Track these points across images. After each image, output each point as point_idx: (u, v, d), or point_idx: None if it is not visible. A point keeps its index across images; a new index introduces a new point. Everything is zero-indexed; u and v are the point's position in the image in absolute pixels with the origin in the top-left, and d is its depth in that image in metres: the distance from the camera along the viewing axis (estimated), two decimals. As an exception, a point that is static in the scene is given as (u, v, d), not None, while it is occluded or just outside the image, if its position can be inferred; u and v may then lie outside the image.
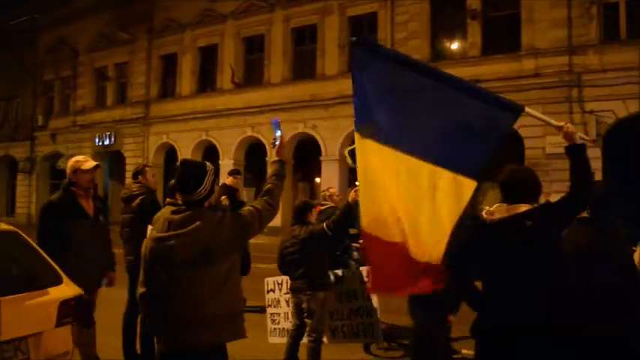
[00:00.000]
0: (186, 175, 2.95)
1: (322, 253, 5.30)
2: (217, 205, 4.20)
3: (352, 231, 6.17)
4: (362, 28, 19.12)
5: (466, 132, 3.29)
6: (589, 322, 3.01)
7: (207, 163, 3.07)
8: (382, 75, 3.42)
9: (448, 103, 3.33)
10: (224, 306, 2.83)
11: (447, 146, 3.31)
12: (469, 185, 3.24)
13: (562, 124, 3.05)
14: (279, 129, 3.59)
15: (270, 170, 3.38)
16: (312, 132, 19.89)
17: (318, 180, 20.32)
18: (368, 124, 3.43)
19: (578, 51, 15.17)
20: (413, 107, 3.42)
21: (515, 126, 13.72)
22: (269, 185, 3.22)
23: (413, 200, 3.34)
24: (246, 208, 3.10)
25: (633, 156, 14.09)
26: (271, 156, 3.58)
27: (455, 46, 18.11)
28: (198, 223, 2.80)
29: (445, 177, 3.26)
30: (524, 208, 2.94)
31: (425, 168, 3.30)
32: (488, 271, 3.00)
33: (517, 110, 3.26)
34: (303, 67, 20.86)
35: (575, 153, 2.98)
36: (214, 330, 2.80)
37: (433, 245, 3.24)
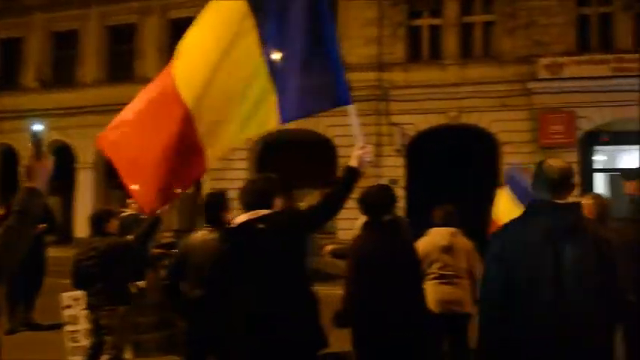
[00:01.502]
0: None
1: (124, 267, 4.92)
2: None
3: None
4: (184, 32, 18.65)
5: (305, 81, 3.25)
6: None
7: None
8: None
9: (315, 46, 3.27)
10: None
11: (285, 76, 3.25)
12: (275, 118, 3.24)
13: (366, 145, 3.15)
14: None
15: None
16: (128, 137, 18.87)
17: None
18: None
19: (386, 68, 16.41)
20: (292, 26, 3.32)
21: (330, 134, 14.46)
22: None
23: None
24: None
25: (433, 164, 15.59)
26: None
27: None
28: None
29: (266, 95, 3.22)
30: (263, 212, 2.97)
31: (261, 70, 3.23)
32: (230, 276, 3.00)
33: (346, 99, 3.25)
34: (120, 68, 19.72)
35: (354, 176, 3.08)
36: None
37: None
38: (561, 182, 2.72)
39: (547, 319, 2.54)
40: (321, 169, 16.46)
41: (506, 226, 2.93)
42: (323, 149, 16.23)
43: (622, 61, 15.02)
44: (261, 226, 2.91)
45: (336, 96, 3.25)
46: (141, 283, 5.45)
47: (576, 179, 12.94)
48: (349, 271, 3.87)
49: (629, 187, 5.54)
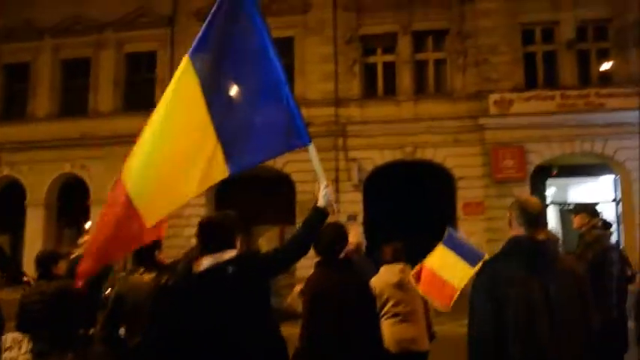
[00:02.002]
0: None
1: (73, 312, 4.67)
2: None
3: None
4: (140, 66, 18.63)
5: (258, 127, 3.22)
6: None
7: None
8: (240, 25, 3.30)
9: (267, 91, 3.24)
10: None
11: (235, 125, 3.22)
12: (222, 170, 3.19)
13: (328, 184, 3.16)
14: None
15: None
16: (80, 172, 18.44)
17: (87, 225, 18.81)
18: (203, 54, 3.28)
19: (343, 103, 16.66)
20: (241, 73, 3.30)
21: (288, 170, 14.47)
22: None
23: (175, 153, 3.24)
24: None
25: (390, 199, 15.78)
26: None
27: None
28: None
29: (212, 149, 3.18)
30: (229, 255, 2.91)
31: (208, 130, 3.19)
32: (193, 324, 2.88)
33: (304, 140, 3.22)
34: (74, 102, 19.30)
35: (320, 216, 3.10)
36: None
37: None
38: (539, 218, 2.85)
39: (545, 351, 2.63)
40: (279, 205, 16.47)
41: (488, 263, 3.01)
42: (281, 185, 16.26)
43: (567, 97, 15.70)
44: (230, 270, 2.84)
45: (295, 137, 3.23)
46: (92, 330, 5.25)
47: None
48: (304, 310, 3.86)
49: (576, 221, 5.79)
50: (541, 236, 2.84)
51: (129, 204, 3.21)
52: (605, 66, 16.23)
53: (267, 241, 16.35)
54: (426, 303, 5.07)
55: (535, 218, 2.84)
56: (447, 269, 5.37)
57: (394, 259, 4.99)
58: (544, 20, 16.33)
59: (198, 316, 2.85)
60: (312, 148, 3.23)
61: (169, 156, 3.24)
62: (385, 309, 4.77)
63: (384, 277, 4.87)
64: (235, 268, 2.84)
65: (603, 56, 16.38)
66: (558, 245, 4.90)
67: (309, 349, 3.70)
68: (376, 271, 5.17)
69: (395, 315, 4.77)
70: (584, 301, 2.78)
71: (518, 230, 2.86)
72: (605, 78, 16.23)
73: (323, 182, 3.17)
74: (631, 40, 15.86)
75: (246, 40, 3.31)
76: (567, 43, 16.11)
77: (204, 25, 3.33)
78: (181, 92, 3.29)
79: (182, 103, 3.28)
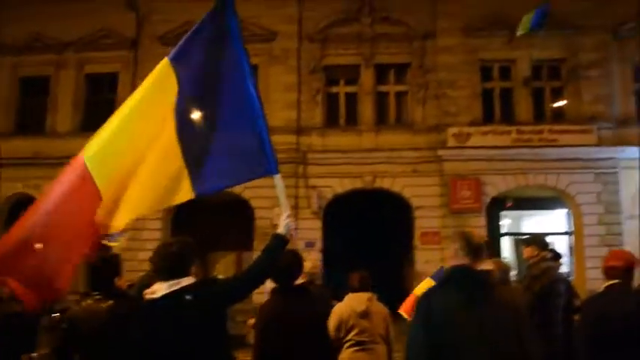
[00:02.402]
0: None
1: (13, 337, 4.57)
2: None
3: None
4: (101, 87, 18.39)
5: (228, 152, 3.22)
6: None
7: None
8: (225, 49, 3.30)
9: (241, 117, 3.24)
10: None
11: (203, 147, 3.20)
12: (187, 191, 3.17)
13: (290, 213, 3.19)
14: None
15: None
16: (33, 192, 17.90)
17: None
18: (183, 61, 3.26)
19: (305, 132, 16.77)
20: (217, 96, 3.29)
21: (247, 196, 14.38)
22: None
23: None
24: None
25: (349, 227, 15.88)
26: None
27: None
28: None
29: (177, 169, 3.15)
30: (185, 282, 2.87)
31: (175, 150, 3.15)
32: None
33: (272, 169, 3.25)
34: (31, 120, 18.85)
35: (281, 244, 3.11)
36: None
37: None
38: (480, 250, 2.95)
39: None
40: (237, 230, 16.32)
41: (429, 292, 3.08)
42: (240, 210, 16.15)
43: (522, 132, 16.21)
44: (188, 297, 2.78)
45: (264, 166, 3.25)
46: (34, 355, 5.05)
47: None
48: (255, 337, 3.83)
49: (527, 252, 5.97)
50: (483, 266, 2.95)
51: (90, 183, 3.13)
52: (559, 104, 16.89)
53: (224, 267, 16.16)
54: (389, 332, 5.05)
55: (478, 249, 2.95)
56: None
57: (361, 288, 5.01)
58: (502, 58, 16.89)
59: (152, 344, 2.79)
60: (278, 178, 3.26)
61: (135, 152, 3.20)
62: (349, 336, 4.77)
63: (350, 305, 4.87)
64: (192, 296, 2.79)
65: (557, 94, 17.04)
66: (509, 275, 5.04)
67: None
68: (335, 298, 5.18)
69: (358, 343, 4.76)
70: (521, 334, 2.84)
71: (462, 260, 2.94)
72: (559, 115, 16.86)
73: (286, 211, 3.19)
74: (582, 80, 16.57)
75: (229, 66, 3.34)
76: (523, 80, 16.71)
77: (187, 35, 3.36)
78: (158, 93, 3.31)
79: (155, 105, 3.28)
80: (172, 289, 2.81)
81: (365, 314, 4.83)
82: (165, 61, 3.34)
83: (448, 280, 2.96)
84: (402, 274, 16.59)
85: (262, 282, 3.10)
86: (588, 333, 3.93)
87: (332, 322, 4.61)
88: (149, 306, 2.87)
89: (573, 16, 16.46)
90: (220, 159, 3.22)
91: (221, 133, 3.26)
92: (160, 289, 2.84)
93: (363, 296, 4.93)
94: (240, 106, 3.29)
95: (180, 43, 3.38)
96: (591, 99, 16.50)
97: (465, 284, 2.86)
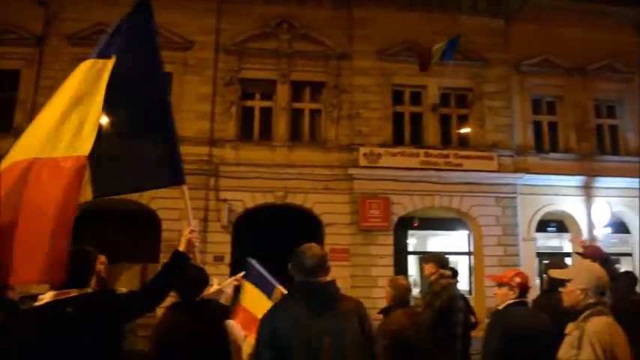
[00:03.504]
0: None
1: None
2: None
3: None
4: (1, 84, 17.24)
5: (134, 157, 3.10)
6: None
7: None
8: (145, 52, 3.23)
9: (152, 124, 3.15)
10: None
11: (111, 148, 3.04)
12: (85, 192, 3.01)
13: (193, 228, 3.10)
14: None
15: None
16: None
17: None
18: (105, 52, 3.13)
19: (218, 144, 16.54)
20: (132, 99, 3.15)
21: (154, 206, 13.89)
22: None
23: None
24: None
25: (259, 242, 15.72)
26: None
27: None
28: None
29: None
30: (73, 293, 2.73)
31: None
32: None
33: (179, 180, 3.18)
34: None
35: (182, 261, 3.02)
36: None
37: None
38: (315, 267, 3.10)
39: None
40: (143, 242, 15.75)
41: (274, 307, 3.08)
42: (146, 221, 15.61)
43: (430, 155, 16.87)
44: (69, 309, 2.62)
45: (170, 175, 3.18)
46: None
47: (391, 260, 13.72)
48: (150, 354, 3.67)
49: (427, 269, 6.20)
50: (321, 279, 3.04)
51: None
52: (464, 130, 17.78)
53: (128, 278, 15.49)
54: None
55: (310, 268, 3.11)
56: (257, 305, 5.33)
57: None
58: (413, 84, 17.53)
59: (32, 353, 2.62)
60: (185, 188, 3.21)
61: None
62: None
63: None
64: (74, 308, 2.64)
65: (463, 121, 17.94)
66: (409, 294, 5.15)
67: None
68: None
69: None
70: (369, 340, 2.96)
71: (298, 276, 3.07)
72: (464, 141, 17.73)
73: (190, 226, 3.11)
74: (486, 109, 17.58)
75: (145, 70, 3.26)
76: (432, 106, 17.44)
77: (109, 33, 3.28)
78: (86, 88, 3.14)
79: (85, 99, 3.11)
80: (56, 298, 2.67)
81: None
82: (93, 60, 3.22)
83: (290, 294, 3.02)
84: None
85: (161, 300, 2.97)
86: (500, 346, 3.98)
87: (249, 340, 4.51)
88: (26, 314, 2.74)
89: (480, 49, 17.55)
90: (125, 163, 3.11)
91: (129, 138, 3.14)
92: (45, 298, 2.70)
93: None
94: (151, 112, 3.21)
95: (103, 41, 3.28)
96: (493, 127, 17.55)
97: (306, 296, 2.93)
